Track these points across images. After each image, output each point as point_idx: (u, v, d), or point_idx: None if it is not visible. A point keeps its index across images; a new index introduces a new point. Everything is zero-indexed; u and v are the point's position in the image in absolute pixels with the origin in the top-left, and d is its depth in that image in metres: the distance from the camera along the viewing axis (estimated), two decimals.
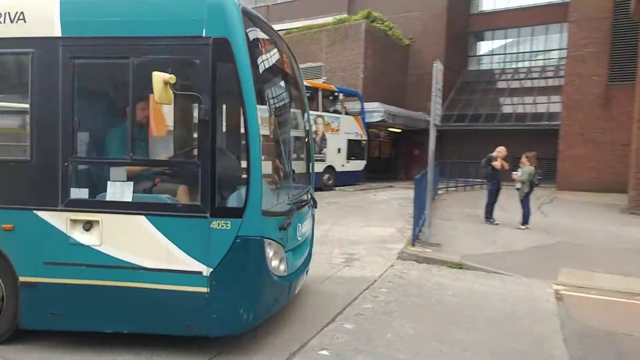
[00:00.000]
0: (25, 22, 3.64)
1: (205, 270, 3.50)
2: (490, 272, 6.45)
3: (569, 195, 17.11)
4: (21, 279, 3.64)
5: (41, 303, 3.65)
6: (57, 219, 3.59)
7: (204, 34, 3.46)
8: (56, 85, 3.59)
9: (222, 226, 3.48)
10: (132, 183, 3.61)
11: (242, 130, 3.56)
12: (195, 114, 3.82)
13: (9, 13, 3.64)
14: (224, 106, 4.24)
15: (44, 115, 3.64)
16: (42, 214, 3.60)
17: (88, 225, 3.57)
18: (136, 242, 3.59)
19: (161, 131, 4.42)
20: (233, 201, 3.63)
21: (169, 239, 3.52)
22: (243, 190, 3.51)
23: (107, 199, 3.59)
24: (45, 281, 3.62)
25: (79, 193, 3.62)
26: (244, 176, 3.52)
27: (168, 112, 4.42)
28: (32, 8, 3.66)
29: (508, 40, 27.74)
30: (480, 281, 6.12)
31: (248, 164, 3.47)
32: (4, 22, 3.65)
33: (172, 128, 4.67)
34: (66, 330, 3.75)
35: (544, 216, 11.81)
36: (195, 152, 3.62)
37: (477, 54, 28.92)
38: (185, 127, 4.64)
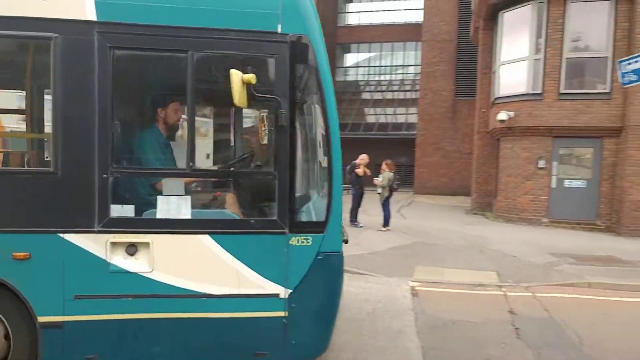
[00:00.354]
0: None
1: (283, 292, 3.12)
2: (355, 273, 6.74)
3: (425, 199, 18.90)
4: (41, 319, 2.92)
5: (71, 347, 2.97)
6: (92, 243, 2.94)
7: (279, 30, 3.06)
8: (91, 81, 2.91)
9: (303, 242, 3.12)
10: (189, 197, 3.05)
11: (321, 138, 3.25)
12: (267, 118, 3.45)
13: None
14: (302, 111, 3.43)
15: (73, 117, 2.93)
16: (71, 237, 2.92)
17: (133, 249, 2.98)
18: (198, 266, 3.08)
19: (226, 137, 3.90)
20: (314, 215, 3.29)
21: (239, 260, 3.07)
22: (324, 202, 3.16)
23: (158, 216, 3.01)
24: (76, 319, 2.96)
25: (122, 211, 2.99)
26: (325, 187, 3.17)
27: (234, 115, 3.86)
28: None
29: (371, 54, 29.67)
30: (345, 282, 6.32)
31: (330, 174, 3.13)
32: None
33: (239, 134, 4.14)
34: None
35: (402, 218, 12.82)
36: (272, 161, 3.18)
37: (344, 65, 30.46)
38: (255, 133, 3.98)
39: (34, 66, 3.38)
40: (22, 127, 3.52)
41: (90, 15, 2.89)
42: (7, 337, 2.98)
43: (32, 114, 3.75)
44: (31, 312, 2.92)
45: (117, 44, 2.94)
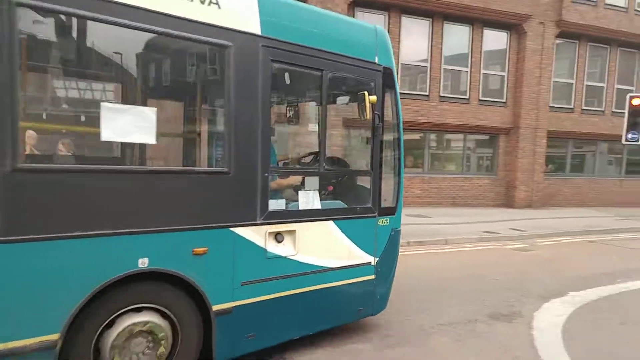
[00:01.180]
0: (219, 7, 3.07)
1: (373, 261, 4.16)
2: None
3: None
4: (215, 307, 3.18)
5: (238, 329, 3.35)
6: (255, 234, 3.36)
7: (376, 61, 4.00)
8: (255, 89, 3.26)
9: (384, 222, 4.20)
10: (317, 191, 3.79)
11: (394, 144, 4.27)
12: (365, 132, 4.19)
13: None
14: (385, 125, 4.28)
15: (243, 121, 3.24)
16: (239, 230, 3.28)
17: (281, 237, 3.53)
18: (325, 245, 3.82)
19: (344, 144, 4.58)
20: (390, 202, 4.27)
21: (349, 238, 3.96)
22: (394, 192, 4.26)
23: (301, 208, 3.68)
24: (242, 303, 3.34)
25: (277, 205, 3.54)
26: (395, 181, 4.27)
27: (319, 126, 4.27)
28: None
29: None
30: None
31: (398, 172, 4.29)
32: (198, 2, 2.98)
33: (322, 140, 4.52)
34: (257, 349, 3.55)
35: None
36: (369, 163, 4.11)
37: None
38: (359, 141, 4.93)
39: (207, 71, 3.68)
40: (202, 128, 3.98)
41: (257, 29, 3.25)
42: (173, 332, 3.09)
43: (208, 116, 4.15)
44: (207, 303, 3.12)
45: (276, 58, 3.37)
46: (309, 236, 3.68)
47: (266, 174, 3.35)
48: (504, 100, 16.02)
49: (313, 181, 3.81)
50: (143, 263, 2.85)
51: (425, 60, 14.76)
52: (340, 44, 3.74)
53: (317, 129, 3.91)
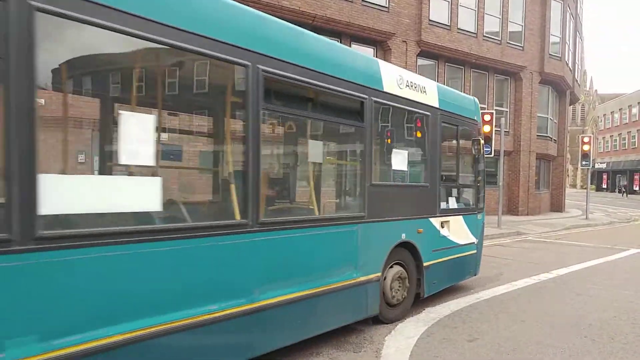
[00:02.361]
0: (425, 93, 5.57)
1: (475, 241, 6.81)
2: None
3: None
4: (424, 264, 5.56)
5: (431, 277, 5.70)
6: (436, 222, 5.85)
7: (476, 119, 6.89)
8: (436, 139, 5.82)
9: (479, 217, 7.01)
10: (455, 198, 6.44)
11: (482, 167, 6.98)
12: (443, 158, 6.15)
13: (421, 86, 5.52)
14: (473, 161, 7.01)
15: (433, 157, 5.78)
16: (431, 220, 5.77)
17: (444, 224, 6.02)
18: (459, 231, 6.38)
19: (460, 170, 6.68)
20: (482, 203, 7.10)
21: (467, 227, 6.61)
22: (482, 197, 7.08)
23: (450, 207, 6.26)
24: (432, 263, 5.71)
25: (443, 205, 6.08)
26: (481, 189, 7.05)
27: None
28: (428, 86, 5.69)
29: None
30: None
31: (483, 186, 7.14)
32: (418, 92, 5.45)
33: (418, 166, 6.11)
34: (434, 292, 5.89)
35: None
36: (478, 180, 6.96)
37: None
38: (464, 167, 6.92)
39: (419, 130, 5.81)
40: (415, 167, 5.89)
41: (437, 104, 5.77)
42: (403, 277, 5.30)
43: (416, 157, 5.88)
44: (421, 261, 5.50)
45: (443, 120, 5.91)
46: (453, 224, 6.23)
47: (440, 187, 5.95)
48: None
49: (454, 192, 6.46)
50: (404, 237, 5.21)
51: None
52: (465, 111, 6.56)
53: (455, 161, 6.55)
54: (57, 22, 2.52)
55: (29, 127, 2.33)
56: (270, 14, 3.86)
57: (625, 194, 49.34)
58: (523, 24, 20.13)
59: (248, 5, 3.71)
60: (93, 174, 4.05)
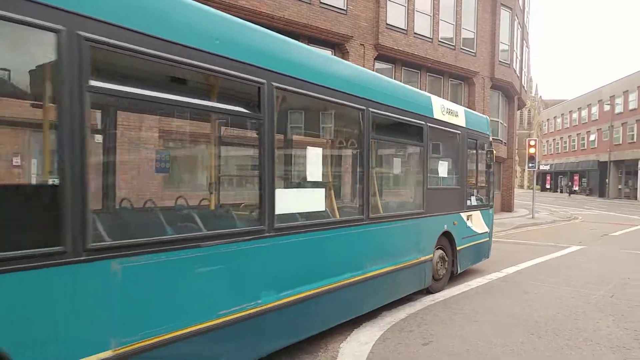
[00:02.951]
0: (457, 116, 7.38)
1: (488, 231, 8.79)
2: None
3: None
4: (457, 248, 7.42)
5: (461, 259, 7.57)
6: (464, 215, 7.71)
7: (489, 134, 8.78)
8: (464, 151, 7.69)
9: (490, 212, 8.99)
10: (474, 196, 8.30)
11: (490, 173, 8.85)
12: (469, 167, 8.08)
13: (455, 111, 7.35)
14: (486, 168, 8.89)
15: (462, 166, 7.68)
16: (462, 214, 7.64)
17: (468, 217, 7.87)
18: (477, 222, 8.26)
19: (478, 174, 8.63)
20: (492, 201, 9.12)
21: (483, 220, 8.53)
22: (492, 196, 9.11)
23: (472, 204, 8.14)
24: (462, 247, 7.57)
25: (468, 203, 7.94)
26: (493, 191, 9.23)
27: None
28: (459, 110, 7.57)
29: None
30: None
31: (493, 185, 9.13)
32: (453, 115, 7.24)
33: (453, 174, 7.75)
34: (462, 270, 7.80)
35: None
36: (489, 182, 8.90)
37: None
38: (480, 172, 8.72)
39: (454, 147, 7.59)
40: (450, 175, 7.65)
41: (464, 124, 7.60)
42: (444, 258, 7.13)
43: (453, 169, 7.62)
44: (454, 246, 7.33)
45: (468, 137, 7.76)
46: (474, 217, 8.11)
47: (467, 190, 7.86)
48: None
49: (474, 192, 8.32)
50: (445, 227, 7.02)
51: None
52: (481, 127, 8.43)
53: (475, 167, 8.42)
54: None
55: (271, 164, 3.87)
56: (227, 13, 3.79)
57: (569, 194, 52.28)
58: (475, 31, 20.87)
59: (208, 4, 3.63)
60: (293, 189, 5.13)
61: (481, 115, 9.28)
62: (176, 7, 3.20)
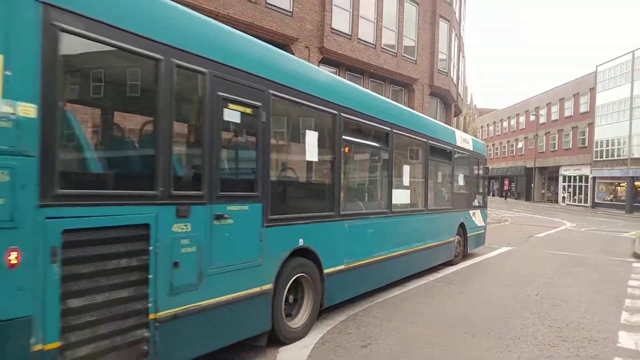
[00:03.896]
0: (468, 143, 10.82)
1: (484, 225, 12.26)
2: None
3: None
4: (467, 235, 10.62)
5: (469, 243, 10.77)
6: (471, 213, 11.08)
7: (484, 154, 12.48)
8: (472, 167, 11.28)
9: (485, 211, 12.48)
10: (476, 199, 11.74)
11: (485, 183, 12.70)
12: (473, 178, 11.29)
13: (467, 140, 10.86)
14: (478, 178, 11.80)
15: (470, 177, 11.08)
16: (470, 212, 10.96)
17: (472, 214, 11.13)
18: (478, 219, 11.57)
19: (458, 186, 10.41)
20: (486, 203, 12.67)
21: (482, 217, 12.04)
22: (486, 200, 12.74)
23: (475, 205, 11.49)
24: (469, 235, 10.83)
25: (473, 204, 11.39)
26: (484, 195, 12.62)
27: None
28: (468, 138, 11.18)
29: None
30: None
31: (486, 191, 13.09)
32: (466, 143, 10.67)
33: (465, 182, 10.94)
34: (470, 252, 11.10)
35: None
36: (485, 189, 12.52)
37: None
38: (479, 182, 11.95)
39: (465, 166, 10.95)
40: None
41: (472, 148, 11.14)
42: (459, 242, 10.37)
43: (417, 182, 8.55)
44: (466, 233, 10.64)
45: (474, 157, 11.39)
46: (477, 215, 11.28)
47: (472, 193, 11.09)
48: None
49: (476, 196, 11.48)
50: (461, 219, 10.39)
51: None
52: (480, 149, 11.96)
53: (476, 179, 11.58)
54: None
55: (390, 177, 7.12)
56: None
57: (505, 197, 55.49)
58: (416, 40, 21.59)
59: None
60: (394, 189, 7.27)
61: (480, 140, 12.94)
62: (313, 72, 5.75)
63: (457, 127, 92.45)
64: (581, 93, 45.54)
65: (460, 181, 10.47)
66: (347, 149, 5.98)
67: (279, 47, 16.21)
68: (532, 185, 52.08)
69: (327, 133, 5.55)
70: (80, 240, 2.83)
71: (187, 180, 3.82)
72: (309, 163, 5.52)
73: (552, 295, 7.30)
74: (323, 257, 5.18)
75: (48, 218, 2.66)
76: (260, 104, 4.25)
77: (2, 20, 2.50)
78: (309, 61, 16.53)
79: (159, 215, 3.29)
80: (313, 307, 5.09)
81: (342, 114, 5.61)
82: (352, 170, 6.64)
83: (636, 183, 38.64)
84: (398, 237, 7.18)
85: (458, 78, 27.86)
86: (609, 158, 41.15)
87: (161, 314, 3.28)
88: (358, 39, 18.48)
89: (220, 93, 3.81)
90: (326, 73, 6.15)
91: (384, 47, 19.93)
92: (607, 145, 41.32)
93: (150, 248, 3.21)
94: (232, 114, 3.99)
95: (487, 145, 66.86)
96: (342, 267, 5.59)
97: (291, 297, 4.85)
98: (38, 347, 2.61)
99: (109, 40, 3.00)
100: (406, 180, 7.70)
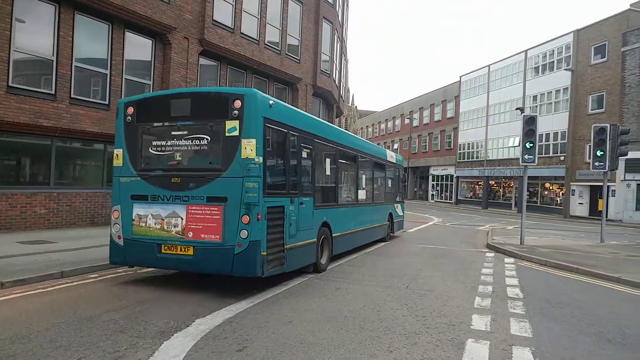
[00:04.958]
0: (393, 158, 15.72)
1: (402, 214, 17.45)
2: None
3: None
4: (394, 221, 15.70)
5: (394, 227, 15.89)
6: (396, 206, 16.41)
7: (402, 164, 17.39)
8: (396, 174, 16.27)
9: (403, 205, 17.58)
10: (398, 198, 16.79)
11: (403, 185, 17.98)
12: (387, 182, 15.15)
13: (392, 155, 15.66)
14: (387, 178, 15.18)
15: (395, 181, 16.02)
16: (394, 205, 16.16)
17: (396, 207, 16.26)
18: (399, 210, 16.56)
19: (388, 187, 15.15)
20: (403, 199, 17.56)
21: (401, 209, 16.89)
22: (403, 197, 17.66)
23: (398, 200, 16.54)
24: (395, 221, 16.01)
25: (397, 199, 16.45)
26: (404, 194, 18.27)
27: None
28: (393, 155, 15.97)
29: None
30: None
31: (404, 191, 19.17)
32: (390, 158, 15.39)
33: (392, 185, 15.66)
34: (395, 232, 16.45)
35: None
36: (403, 189, 17.66)
37: None
38: (392, 186, 15.83)
39: (390, 173, 15.56)
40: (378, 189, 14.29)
41: (395, 161, 16.04)
42: (388, 226, 15.42)
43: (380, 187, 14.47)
44: (393, 220, 15.80)
45: (396, 167, 16.38)
46: (398, 207, 16.30)
47: (396, 192, 16.35)
48: None
49: (398, 194, 16.54)
50: (390, 210, 15.25)
51: (50, 53, 12.32)
52: (399, 161, 16.82)
53: (397, 182, 16.59)
54: None
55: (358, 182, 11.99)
56: None
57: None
58: (300, 39, 21.85)
59: None
60: (358, 189, 12.07)
61: (399, 155, 17.50)
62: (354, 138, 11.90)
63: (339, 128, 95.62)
64: (448, 100, 50.32)
65: (389, 184, 15.30)
66: (340, 166, 10.30)
67: (155, 36, 15.29)
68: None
69: (333, 158, 9.76)
70: (271, 210, 6.70)
71: (292, 187, 7.56)
72: (327, 175, 9.57)
73: (420, 286, 7.81)
74: (332, 227, 9.36)
75: (265, 202, 6.55)
76: (311, 147, 8.39)
77: (256, 126, 6.44)
78: (187, 53, 15.78)
79: (286, 202, 7.25)
80: (328, 254, 9.18)
81: (339, 148, 10.09)
82: (343, 178, 10.68)
83: (491, 182, 43.90)
84: (361, 219, 11.78)
85: (340, 80, 28.87)
86: (470, 159, 46.09)
87: (287, 246, 7.26)
88: (241, 33, 18.11)
89: (302, 144, 8.05)
90: (337, 128, 10.79)
91: (268, 43, 19.82)
92: (469, 148, 46.25)
93: (284, 216, 7.17)
94: (305, 154, 8.19)
95: None
96: (338, 234, 9.86)
97: (320, 248, 8.73)
98: (264, 253, 6.45)
99: (287, 129, 7.42)
100: (363, 183, 12.14)
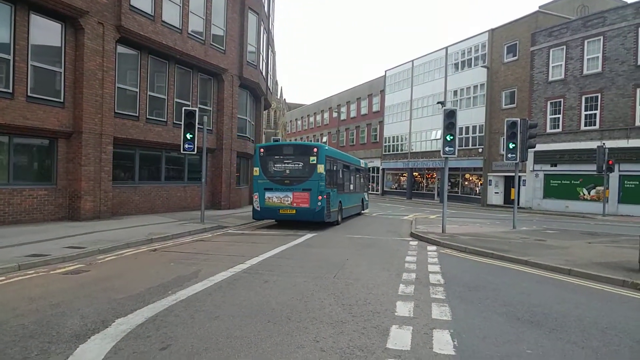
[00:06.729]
0: (364, 164, 26.26)
1: (368, 200, 28.04)
2: None
3: None
4: (364, 203, 26.26)
5: (364, 207, 25.96)
6: (364, 194, 27.04)
7: (366, 167, 27.33)
8: (364, 175, 26.42)
9: (368, 193, 28.72)
10: (363, 189, 25.80)
11: (362, 183, 25.84)
12: (361, 179, 24.64)
13: (363, 162, 26.24)
14: (361, 177, 24.68)
15: (364, 179, 25.97)
16: (364, 193, 26.50)
17: (365, 195, 27.16)
18: (366, 197, 26.19)
19: (358, 183, 23.51)
20: (367, 190, 29.34)
21: (366, 197, 26.18)
22: (367, 188, 29.75)
23: (365, 191, 26.58)
24: (365, 202, 26.29)
25: (364, 190, 26.53)
26: (368, 186, 33.57)
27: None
28: (363, 162, 26.35)
29: None
30: None
31: (368, 185, 35.47)
32: (362, 164, 25.37)
33: (358, 182, 23.81)
34: (363, 211, 26.57)
35: None
36: (366, 185, 27.23)
37: None
38: (363, 181, 26.14)
39: (350, 172, 21.59)
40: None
41: (364, 166, 26.75)
42: (361, 206, 26.37)
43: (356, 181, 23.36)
44: (364, 204, 26.18)
45: (363, 170, 26.22)
46: (366, 195, 26.39)
47: (364, 185, 26.31)
48: (61, 100, 14.14)
49: (364, 187, 26.22)
50: (362, 197, 25.01)
51: None
52: (365, 165, 26.68)
53: (363, 180, 25.79)
54: None
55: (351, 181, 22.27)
56: None
57: None
58: (224, 29, 21.29)
59: None
60: (349, 184, 22.25)
61: (364, 161, 26.49)
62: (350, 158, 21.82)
63: (268, 120, 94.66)
64: (374, 94, 51.67)
65: (362, 180, 24.57)
66: (344, 172, 19.48)
67: (65, 19, 14.11)
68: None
69: (342, 169, 18.91)
70: (327, 195, 15.91)
71: (332, 184, 16.88)
72: (340, 177, 18.40)
73: (347, 276, 7.97)
74: (343, 204, 18.58)
75: (325, 191, 15.84)
76: (337, 164, 17.85)
77: (322, 159, 15.72)
78: (103, 39, 14.80)
79: (332, 191, 16.51)
80: (342, 217, 18.56)
81: (344, 163, 19.55)
82: (345, 178, 19.38)
83: (415, 173, 45.84)
84: (353, 200, 21.46)
85: (267, 72, 28.57)
86: (395, 152, 47.76)
87: (331, 210, 16.64)
88: (162, 21, 17.30)
89: (335, 164, 17.67)
90: (345, 154, 21.11)
91: (192, 33, 19.13)
92: (394, 141, 47.89)
93: (330, 197, 16.30)
94: (335, 168, 17.67)
95: (295, 139, 70.99)
96: (345, 207, 19.34)
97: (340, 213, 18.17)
98: (326, 212, 15.94)
99: (332, 159, 17.37)
100: (352, 180, 20.86)
